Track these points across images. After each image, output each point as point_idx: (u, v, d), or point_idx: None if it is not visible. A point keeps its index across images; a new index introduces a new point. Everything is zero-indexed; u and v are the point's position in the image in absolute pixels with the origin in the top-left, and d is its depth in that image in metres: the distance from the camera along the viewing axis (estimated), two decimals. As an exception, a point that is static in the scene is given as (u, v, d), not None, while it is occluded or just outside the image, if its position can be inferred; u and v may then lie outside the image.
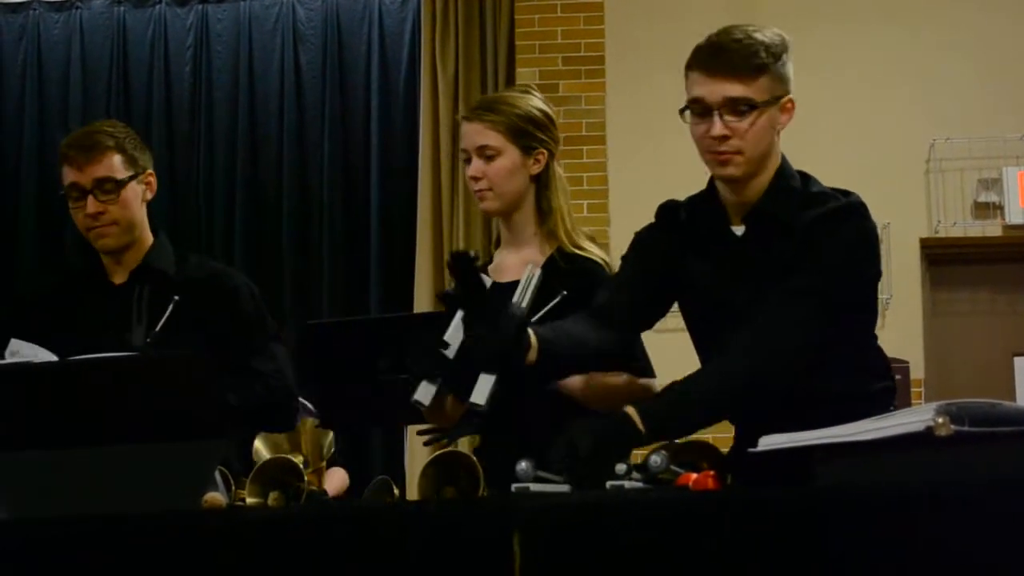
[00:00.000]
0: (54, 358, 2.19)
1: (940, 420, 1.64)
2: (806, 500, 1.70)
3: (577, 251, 2.80)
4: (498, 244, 2.97)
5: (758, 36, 2.35)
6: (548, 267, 2.75)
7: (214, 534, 1.88)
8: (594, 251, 2.83)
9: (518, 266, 2.75)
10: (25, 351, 2.21)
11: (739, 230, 2.47)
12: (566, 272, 2.75)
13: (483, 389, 2.36)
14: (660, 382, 2.62)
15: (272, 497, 2.26)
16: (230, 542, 1.86)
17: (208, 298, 3.01)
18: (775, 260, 2.39)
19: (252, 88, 6.98)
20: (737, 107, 2.34)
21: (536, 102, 2.84)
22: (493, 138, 2.78)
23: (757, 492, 1.81)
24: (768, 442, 1.85)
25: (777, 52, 2.36)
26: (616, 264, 2.69)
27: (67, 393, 2.04)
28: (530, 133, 2.79)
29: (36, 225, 6.89)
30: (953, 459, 1.66)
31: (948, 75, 6.17)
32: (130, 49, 7.05)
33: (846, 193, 2.44)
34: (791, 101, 2.40)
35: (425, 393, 2.39)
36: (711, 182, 2.53)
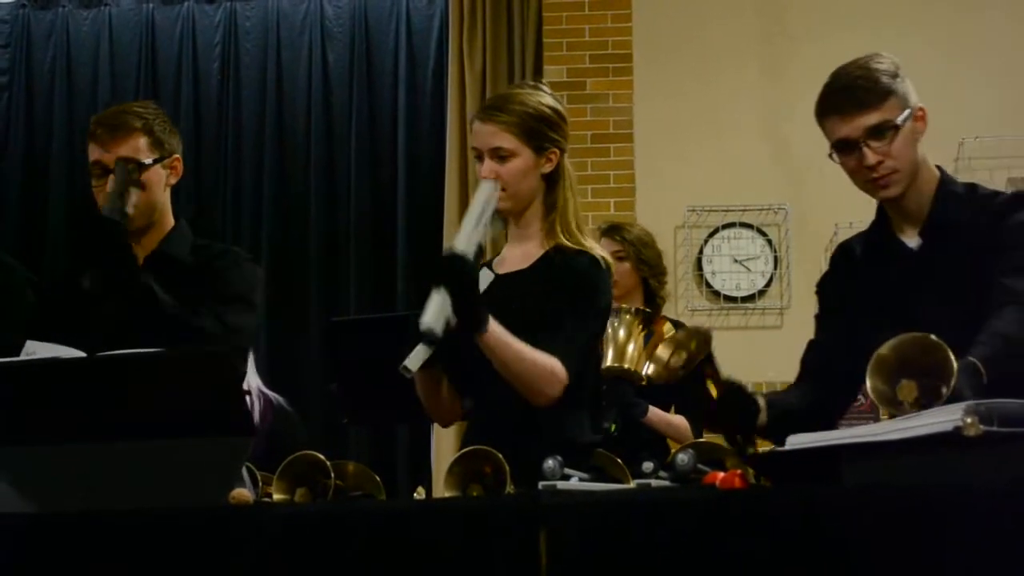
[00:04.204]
0: (75, 355, 2.19)
1: (969, 420, 1.63)
2: (833, 500, 1.69)
3: (575, 247, 2.77)
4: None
5: (873, 65, 2.53)
6: (543, 262, 2.75)
7: (241, 530, 1.89)
8: (594, 248, 2.79)
9: (520, 258, 2.77)
10: (41, 352, 2.19)
11: (912, 243, 2.58)
12: (556, 266, 2.75)
13: (435, 312, 2.46)
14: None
15: (299, 493, 2.26)
16: (257, 538, 1.87)
17: (208, 271, 2.95)
18: (955, 265, 2.50)
19: (280, 85, 6.98)
20: (879, 133, 2.50)
21: (548, 99, 2.80)
22: (507, 140, 2.75)
23: (784, 491, 1.81)
24: (796, 441, 1.84)
25: (893, 72, 2.54)
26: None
27: (94, 389, 2.05)
28: (543, 133, 2.76)
29: (65, 222, 6.91)
30: (982, 460, 1.65)
31: (977, 74, 6.13)
32: (158, 46, 7.06)
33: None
34: (921, 109, 2.57)
35: (416, 359, 2.45)
36: (879, 206, 2.65)
